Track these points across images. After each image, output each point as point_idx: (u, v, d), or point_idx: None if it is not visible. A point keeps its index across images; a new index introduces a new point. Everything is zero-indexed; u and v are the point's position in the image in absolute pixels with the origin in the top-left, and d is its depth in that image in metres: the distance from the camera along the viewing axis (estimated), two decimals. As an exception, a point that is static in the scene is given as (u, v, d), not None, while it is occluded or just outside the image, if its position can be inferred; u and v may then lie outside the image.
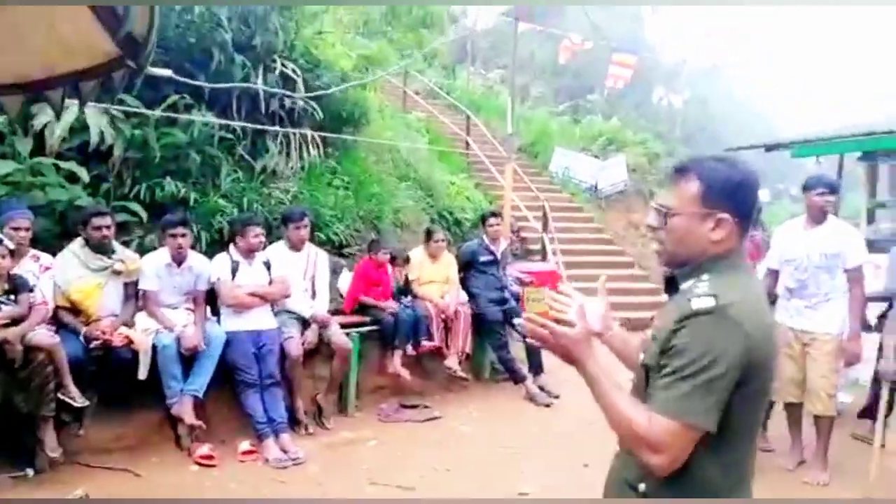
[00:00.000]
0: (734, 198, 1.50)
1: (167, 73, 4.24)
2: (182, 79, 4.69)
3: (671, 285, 1.59)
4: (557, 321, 1.58)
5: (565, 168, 12.97)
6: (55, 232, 4.58)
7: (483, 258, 6.28)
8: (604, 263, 10.38)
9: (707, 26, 26.31)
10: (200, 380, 4.39)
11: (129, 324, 4.36)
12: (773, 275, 4.41)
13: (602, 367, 1.51)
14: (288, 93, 5.78)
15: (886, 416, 4.10)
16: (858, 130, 7.19)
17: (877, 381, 4.23)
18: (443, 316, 5.89)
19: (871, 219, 7.40)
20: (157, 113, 5.02)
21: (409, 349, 5.66)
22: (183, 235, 4.46)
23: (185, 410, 4.31)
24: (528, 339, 1.60)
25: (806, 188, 4.35)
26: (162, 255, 4.52)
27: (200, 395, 4.38)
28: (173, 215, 4.59)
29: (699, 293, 1.43)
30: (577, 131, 15.30)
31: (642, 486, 1.48)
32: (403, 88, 12.82)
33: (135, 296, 4.47)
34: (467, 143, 11.63)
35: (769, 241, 4.64)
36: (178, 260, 4.50)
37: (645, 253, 12.46)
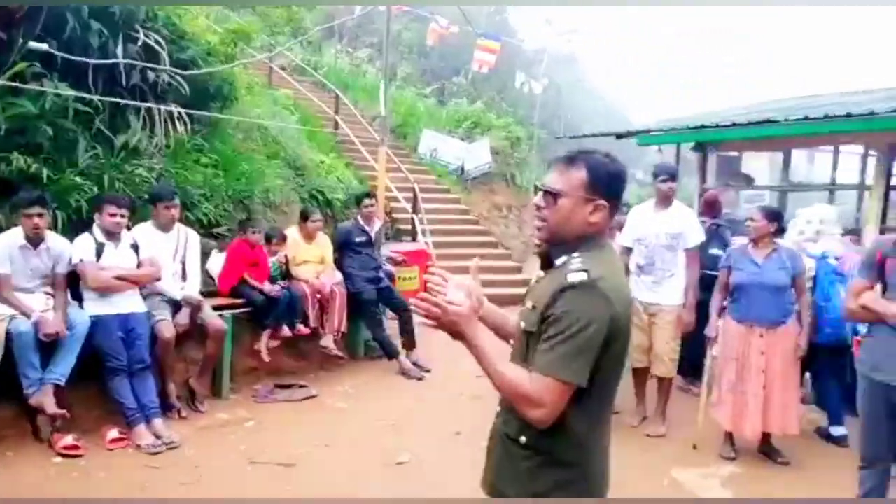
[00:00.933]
0: (611, 188, 1.75)
1: (42, 47, 3.90)
2: (36, 45, 4.34)
3: (546, 262, 1.83)
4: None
5: (433, 150, 13.26)
6: None
7: (358, 239, 6.40)
8: (471, 243, 10.87)
9: (568, 20, 27.69)
10: (63, 367, 4.17)
11: (-22, 310, 4.05)
12: (627, 252, 4.93)
13: (486, 338, 1.71)
14: (153, 66, 5.49)
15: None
16: (692, 123, 8.04)
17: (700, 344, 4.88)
18: (318, 296, 5.95)
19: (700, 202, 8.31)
20: (1, 81, 4.61)
21: (286, 330, 5.67)
22: (40, 215, 4.17)
23: (45, 400, 4.08)
24: (420, 316, 1.76)
25: (654, 175, 4.90)
26: (15, 235, 4.20)
27: (62, 382, 4.17)
28: (28, 193, 4.27)
29: (573, 269, 1.65)
30: (444, 114, 15.64)
31: (523, 438, 1.72)
32: (269, 64, 12.46)
33: (-18, 282, 4.14)
34: (336, 123, 11.57)
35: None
36: (35, 241, 4.22)
37: (507, 233, 13.15)
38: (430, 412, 5.30)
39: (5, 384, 4.07)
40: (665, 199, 4.85)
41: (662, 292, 4.84)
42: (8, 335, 4.01)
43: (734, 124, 7.40)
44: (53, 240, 4.35)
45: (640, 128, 9.14)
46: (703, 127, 7.78)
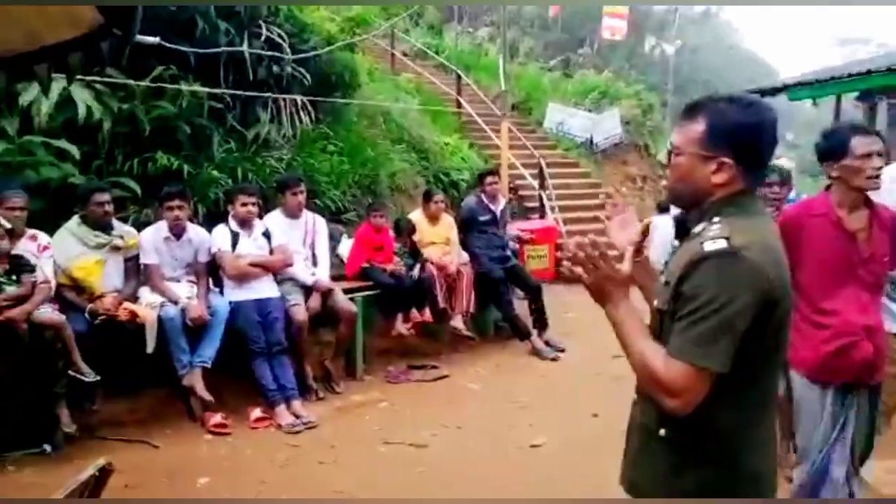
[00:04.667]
0: (738, 142, 1.45)
1: (155, 40, 4.14)
2: (170, 45, 4.58)
3: (682, 229, 1.57)
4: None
5: (559, 123, 12.84)
6: (48, 211, 4.53)
7: (482, 217, 6.26)
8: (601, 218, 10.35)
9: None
10: (209, 350, 4.41)
11: (133, 299, 4.36)
12: None
13: (631, 311, 1.50)
14: (276, 54, 5.64)
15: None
16: (856, 70, 7.11)
17: None
18: (445, 277, 5.90)
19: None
20: (144, 84, 4.93)
21: (416, 314, 5.66)
22: (180, 207, 4.43)
23: (196, 381, 4.34)
24: (568, 264, 1.53)
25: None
26: (160, 228, 4.49)
27: (209, 364, 4.41)
28: (170, 187, 4.55)
29: (711, 236, 1.41)
30: (569, 86, 15.11)
31: (662, 431, 1.49)
32: (391, 50, 12.62)
33: (136, 271, 4.46)
34: (459, 103, 11.49)
35: None
36: (177, 232, 4.48)
37: (643, 206, 12.46)
38: (565, 394, 5.07)
39: (163, 366, 4.36)
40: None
41: None
42: (159, 321, 4.29)
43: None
44: (194, 231, 4.60)
45: (789, 81, 8.24)
46: (870, 72, 6.85)
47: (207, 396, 4.34)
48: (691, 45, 21.65)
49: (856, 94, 7.61)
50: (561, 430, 4.34)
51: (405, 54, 13.44)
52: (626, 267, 1.59)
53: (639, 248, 1.73)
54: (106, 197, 4.17)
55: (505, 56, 8.75)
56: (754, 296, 1.35)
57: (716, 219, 1.46)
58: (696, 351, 1.35)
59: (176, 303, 4.37)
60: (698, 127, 1.48)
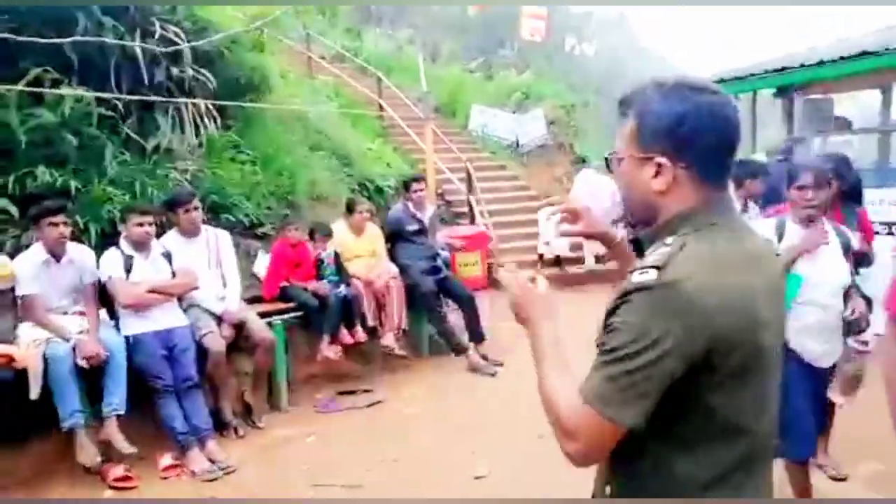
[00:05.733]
0: (672, 136, 1.18)
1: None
2: (44, 41, 3.96)
3: (639, 251, 1.31)
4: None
5: (484, 126, 12.63)
6: None
7: (410, 227, 5.89)
8: (532, 221, 10.17)
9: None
10: (117, 396, 3.88)
11: (9, 339, 3.74)
12: None
13: (552, 336, 1.30)
14: (175, 45, 5.03)
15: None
16: (772, 66, 7.16)
17: None
18: (374, 292, 5.49)
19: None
20: (16, 87, 4.29)
21: (344, 335, 5.21)
22: (65, 223, 3.88)
23: (112, 433, 3.81)
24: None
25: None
26: (37, 251, 3.91)
27: (122, 410, 3.88)
28: (51, 201, 3.97)
29: (644, 265, 1.16)
30: (491, 87, 14.95)
31: (608, 489, 1.27)
32: (307, 53, 12.07)
33: (11, 305, 3.83)
34: (381, 106, 11.08)
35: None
36: (58, 254, 3.91)
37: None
38: (506, 413, 4.75)
39: (48, 413, 3.76)
40: None
41: None
42: (45, 362, 3.69)
43: (822, 62, 6.52)
44: (75, 250, 4.07)
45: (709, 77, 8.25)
46: (785, 69, 6.91)
47: (130, 449, 3.82)
48: (609, 46, 22.03)
49: (773, 90, 7.69)
50: (505, 457, 4.02)
51: (322, 57, 12.89)
52: (541, 285, 1.40)
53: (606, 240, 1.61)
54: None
55: (424, 55, 8.38)
56: (688, 337, 1.09)
57: (668, 239, 1.19)
58: (603, 398, 1.12)
59: (66, 339, 3.79)
60: (630, 124, 1.24)
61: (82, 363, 3.78)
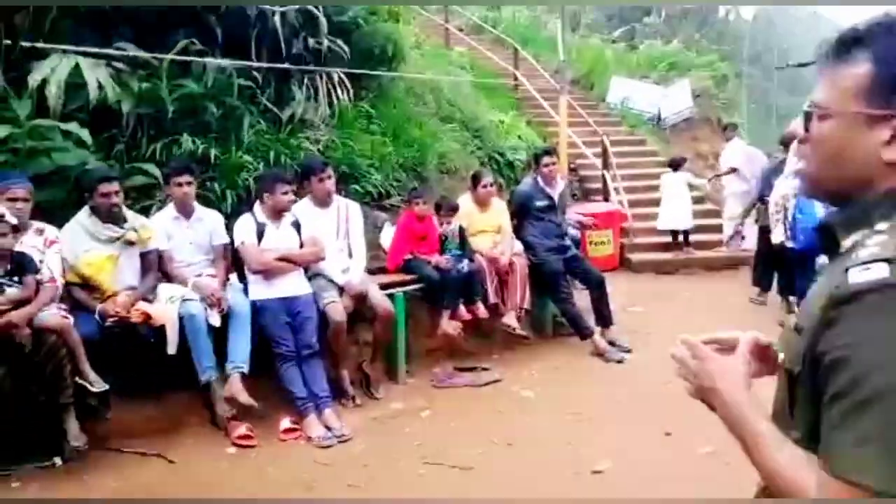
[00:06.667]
0: None
1: None
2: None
3: (828, 240, 0.98)
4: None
5: (624, 98, 11.99)
6: (69, 200, 4.19)
7: (539, 202, 5.63)
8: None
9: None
10: (240, 354, 3.99)
11: (151, 298, 3.98)
12: None
13: (750, 404, 0.99)
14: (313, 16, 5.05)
15: None
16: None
17: None
18: (497, 269, 5.32)
19: None
20: (167, 57, 4.51)
21: (463, 312, 5.10)
22: (189, 183, 4.10)
23: (236, 390, 3.92)
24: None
25: None
26: (168, 210, 4.20)
27: (246, 369, 3.99)
28: (176, 161, 4.23)
29: (863, 258, 0.85)
30: (634, 58, 14.16)
31: None
32: (445, 25, 12.01)
33: (154, 267, 4.07)
34: (515, 77, 10.80)
35: None
36: (186, 212, 4.15)
37: (716, 186, 11.51)
38: (632, 404, 4.44)
39: (185, 369, 3.97)
40: None
41: None
42: (180, 320, 3.89)
43: None
44: (203, 212, 4.29)
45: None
46: None
47: (250, 402, 3.93)
48: (767, 13, 20.14)
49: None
50: (627, 452, 3.73)
51: (460, 29, 12.80)
52: (742, 349, 1.09)
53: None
54: (113, 186, 3.77)
55: (563, 23, 7.98)
56: None
57: (881, 225, 0.89)
58: (870, 465, 0.78)
59: (200, 298, 3.97)
60: (859, 71, 0.92)
61: (212, 320, 3.94)
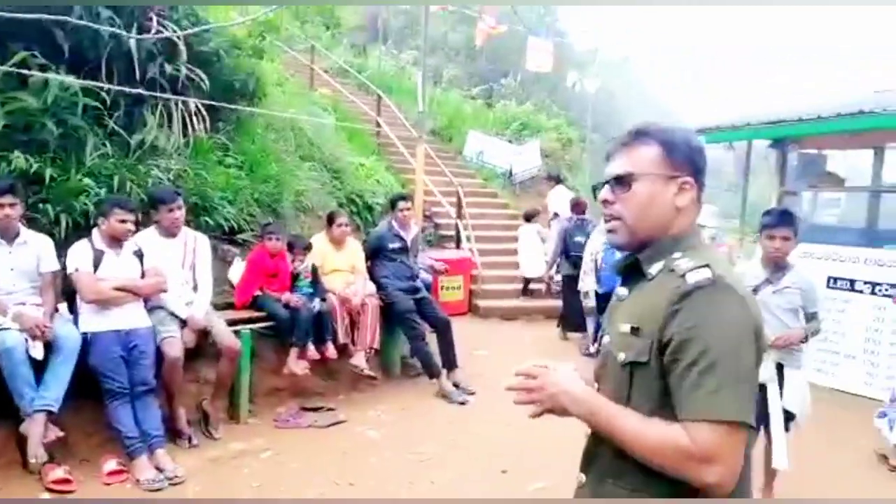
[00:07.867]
0: (695, 162, 1.36)
1: None
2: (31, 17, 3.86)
3: (631, 273, 1.40)
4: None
5: (479, 152, 12.64)
6: None
7: (392, 244, 5.80)
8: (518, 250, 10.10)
9: (620, 19, 26.70)
10: (54, 391, 3.66)
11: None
12: None
13: (594, 398, 1.32)
14: (173, 43, 4.92)
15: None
16: (768, 118, 7.19)
17: None
18: (349, 310, 5.37)
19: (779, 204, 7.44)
20: (1, 68, 4.19)
21: (312, 351, 5.07)
22: (12, 205, 3.76)
23: (35, 429, 3.59)
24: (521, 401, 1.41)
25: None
26: None
27: (55, 409, 3.66)
28: None
29: (687, 267, 1.25)
30: (491, 115, 15.00)
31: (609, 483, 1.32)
32: (311, 66, 12.09)
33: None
34: (377, 124, 11.06)
35: None
36: (9, 235, 3.81)
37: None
38: (471, 445, 4.62)
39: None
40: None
41: None
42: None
43: (819, 117, 6.55)
44: (29, 235, 3.94)
45: (706, 125, 8.29)
46: (782, 121, 6.94)
47: (53, 437, 3.62)
48: (610, 87, 22.22)
49: (769, 141, 7.72)
50: (464, 489, 3.88)
51: (326, 71, 12.92)
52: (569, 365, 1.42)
53: None
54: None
55: (424, 75, 8.36)
56: (752, 328, 1.21)
57: (676, 254, 1.31)
58: (725, 406, 1.15)
59: (19, 328, 3.64)
60: (651, 148, 1.36)
61: (34, 352, 3.63)
